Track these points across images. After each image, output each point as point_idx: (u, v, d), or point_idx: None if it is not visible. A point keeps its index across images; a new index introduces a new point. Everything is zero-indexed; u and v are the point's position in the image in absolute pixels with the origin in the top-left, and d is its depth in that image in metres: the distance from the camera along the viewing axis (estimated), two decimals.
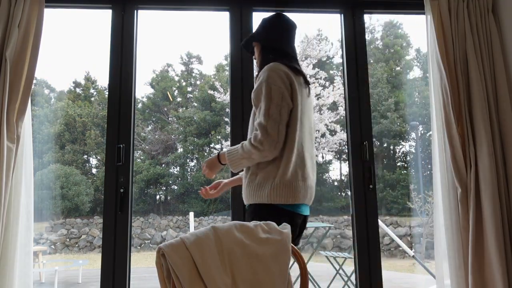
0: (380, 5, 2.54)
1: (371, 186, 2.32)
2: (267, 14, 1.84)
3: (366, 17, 2.44)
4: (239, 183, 1.89)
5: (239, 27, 2.43)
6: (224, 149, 1.65)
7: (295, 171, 1.55)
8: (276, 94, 1.52)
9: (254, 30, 2.46)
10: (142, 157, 12.34)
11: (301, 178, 1.57)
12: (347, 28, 2.49)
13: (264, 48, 1.70)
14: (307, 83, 1.70)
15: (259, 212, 1.55)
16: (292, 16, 1.84)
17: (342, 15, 2.52)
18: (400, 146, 15.12)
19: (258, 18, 2.46)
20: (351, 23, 2.50)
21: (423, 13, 2.35)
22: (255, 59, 1.80)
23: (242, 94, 2.36)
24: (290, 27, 1.72)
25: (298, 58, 1.74)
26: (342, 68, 2.57)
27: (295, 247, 1.45)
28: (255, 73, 1.78)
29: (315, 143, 10.66)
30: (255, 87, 1.59)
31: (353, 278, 4.71)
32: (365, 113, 2.41)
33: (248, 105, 2.35)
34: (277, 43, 1.69)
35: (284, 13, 1.77)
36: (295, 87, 1.57)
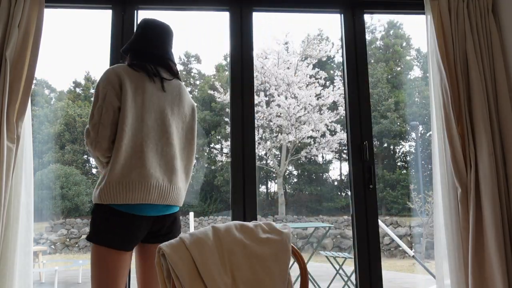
0: (380, 5, 2.54)
1: (371, 186, 2.32)
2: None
3: (367, 17, 2.44)
4: None
5: (239, 27, 2.43)
6: None
7: (129, 170, 1.51)
8: (100, 95, 1.53)
9: (253, 30, 2.46)
10: None
11: (138, 177, 1.51)
12: (347, 28, 2.49)
13: (129, 55, 1.72)
14: (160, 78, 1.64)
15: (93, 212, 1.56)
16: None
17: (342, 15, 2.51)
18: (400, 146, 15.12)
19: (258, 18, 2.47)
20: (351, 23, 2.49)
21: (423, 13, 2.35)
22: None
23: (242, 94, 2.36)
24: (146, 29, 1.70)
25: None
26: (342, 68, 2.57)
27: (295, 247, 1.45)
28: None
29: (315, 143, 10.65)
30: None
31: (353, 278, 4.72)
32: (365, 113, 2.41)
33: (248, 105, 2.35)
34: (133, 47, 1.70)
35: (149, 18, 1.75)
36: (127, 86, 1.54)
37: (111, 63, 2.35)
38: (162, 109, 1.62)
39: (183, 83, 1.79)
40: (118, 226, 1.51)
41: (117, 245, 1.51)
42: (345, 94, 2.47)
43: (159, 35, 1.70)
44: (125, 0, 2.40)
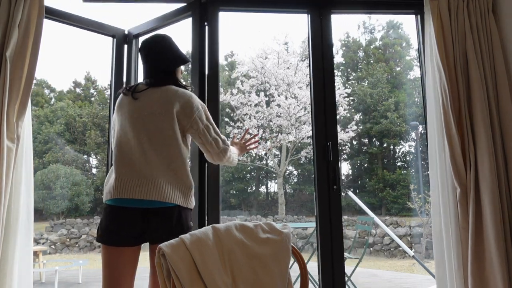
0: (352, 4, 2.48)
1: (335, 187, 2.28)
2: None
3: (366, 17, 2.42)
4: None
5: (203, 28, 2.37)
6: None
7: (111, 170, 1.72)
8: None
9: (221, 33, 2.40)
10: None
11: (115, 174, 1.66)
12: (313, 29, 2.42)
13: None
14: (134, 92, 1.76)
15: None
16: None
17: (309, 15, 2.43)
18: (400, 146, 15.12)
19: (258, 18, 2.44)
20: (318, 24, 2.42)
21: (411, 13, 2.31)
22: None
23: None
24: (141, 51, 1.83)
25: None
26: (308, 68, 2.53)
27: (295, 247, 1.45)
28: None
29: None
30: None
31: (353, 278, 4.72)
32: (330, 113, 2.35)
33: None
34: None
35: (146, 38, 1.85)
36: (117, 107, 1.79)
37: (116, 66, 2.37)
38: (144, 115, 1.72)
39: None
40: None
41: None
42: (311, 94, 2.40)
43: (146, 54, 1.80)
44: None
